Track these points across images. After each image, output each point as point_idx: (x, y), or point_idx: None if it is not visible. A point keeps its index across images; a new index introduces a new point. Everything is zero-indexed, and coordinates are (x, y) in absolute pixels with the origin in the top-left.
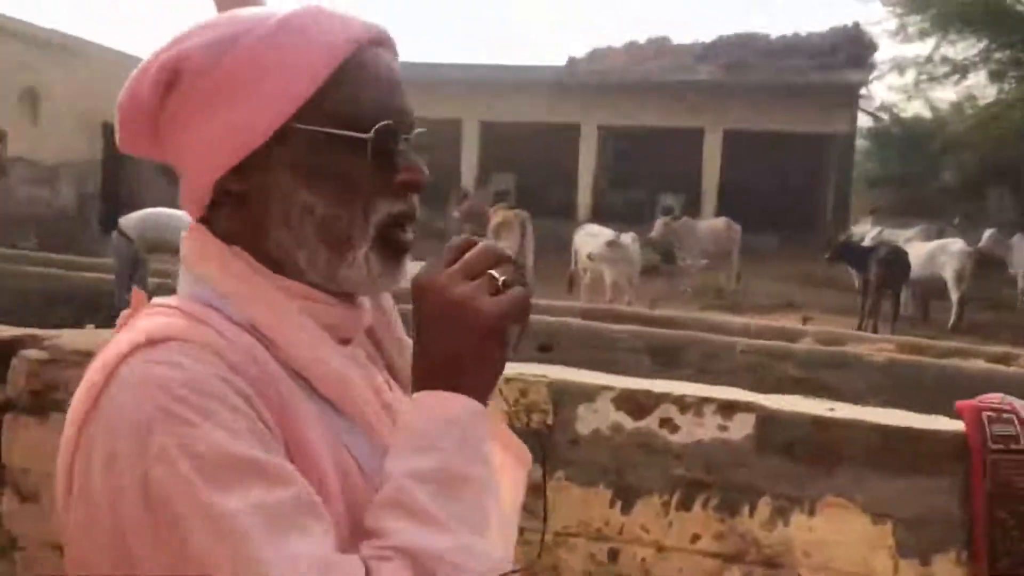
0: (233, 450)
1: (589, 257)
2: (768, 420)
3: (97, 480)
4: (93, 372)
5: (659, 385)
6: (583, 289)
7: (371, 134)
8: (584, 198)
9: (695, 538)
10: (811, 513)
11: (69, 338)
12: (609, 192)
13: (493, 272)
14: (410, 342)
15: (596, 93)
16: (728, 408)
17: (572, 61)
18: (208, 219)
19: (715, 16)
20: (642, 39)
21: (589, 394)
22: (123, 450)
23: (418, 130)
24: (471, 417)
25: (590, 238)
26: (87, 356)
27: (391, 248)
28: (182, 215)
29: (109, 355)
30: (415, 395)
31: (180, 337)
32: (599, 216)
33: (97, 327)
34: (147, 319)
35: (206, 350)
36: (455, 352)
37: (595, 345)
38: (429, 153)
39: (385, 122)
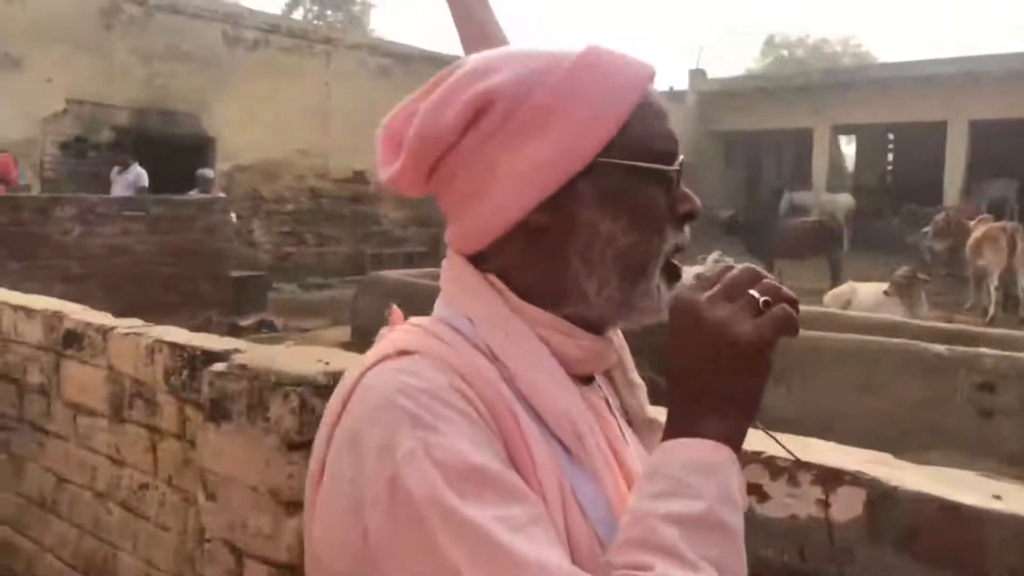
0: (473, 460)
1: None
2: (881, 500)
3: (346, 473)
4: (348, 378)
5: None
6: None
7: (676, 166)
8: None
9: None
10: None
11: (250, 355)
12: None
13: (753, 292)
14: (642, 384)
15: None
16: (830, 478)
17: None
18: (484, 253)
19: None
20: None
21: None
22: (371, 448)
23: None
24: (730, 465)
25: None
26: (254, 372)
27: (671, 278)
28: None
29: (365, 362)
30: (669, 431)
31: (424, 351)
32: None
33: None
34: (399, 334)
35: (445, 365)
36: (714, 383)
37: None
38: (909, 161)
39: (682, 156)
